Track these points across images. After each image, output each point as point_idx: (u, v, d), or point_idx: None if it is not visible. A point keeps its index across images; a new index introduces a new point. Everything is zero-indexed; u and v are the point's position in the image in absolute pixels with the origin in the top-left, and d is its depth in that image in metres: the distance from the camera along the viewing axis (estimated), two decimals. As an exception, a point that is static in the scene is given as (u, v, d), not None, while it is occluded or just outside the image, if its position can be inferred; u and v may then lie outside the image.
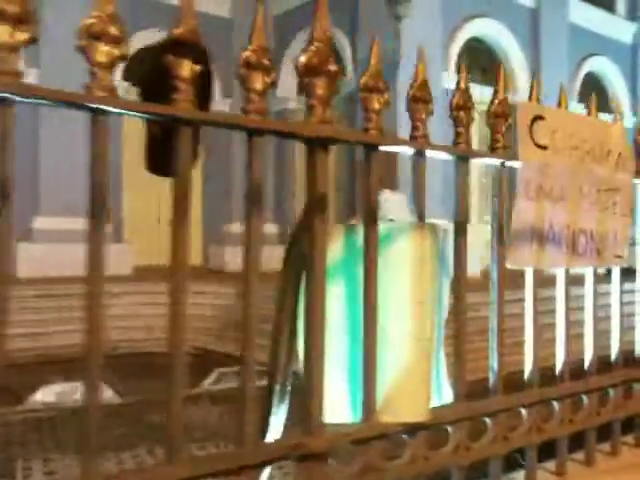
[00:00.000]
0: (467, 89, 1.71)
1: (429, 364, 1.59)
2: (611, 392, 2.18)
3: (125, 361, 7.95)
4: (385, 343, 1.56)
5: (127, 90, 3.92)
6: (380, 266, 1.55)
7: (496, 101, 1.79)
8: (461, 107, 1.69)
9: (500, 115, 1.79)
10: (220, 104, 12.44)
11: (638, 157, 2.28)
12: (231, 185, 13.80)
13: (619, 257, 2.17)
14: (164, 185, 1.37)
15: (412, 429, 1.57)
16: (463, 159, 1.70)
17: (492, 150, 1.80)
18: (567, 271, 2.06)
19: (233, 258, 12.09)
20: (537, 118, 1.87)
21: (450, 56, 12.01)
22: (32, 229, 11.32)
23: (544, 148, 1.88)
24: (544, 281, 2.02)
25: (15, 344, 7.60)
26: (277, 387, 1.52)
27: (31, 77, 10.47)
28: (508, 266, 1.82)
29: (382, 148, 1.53)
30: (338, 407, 1.54)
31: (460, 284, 1.71)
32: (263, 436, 1.52)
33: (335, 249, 1.54)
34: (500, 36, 12.97)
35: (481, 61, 12.60)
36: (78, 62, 1.18)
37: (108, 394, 6.32)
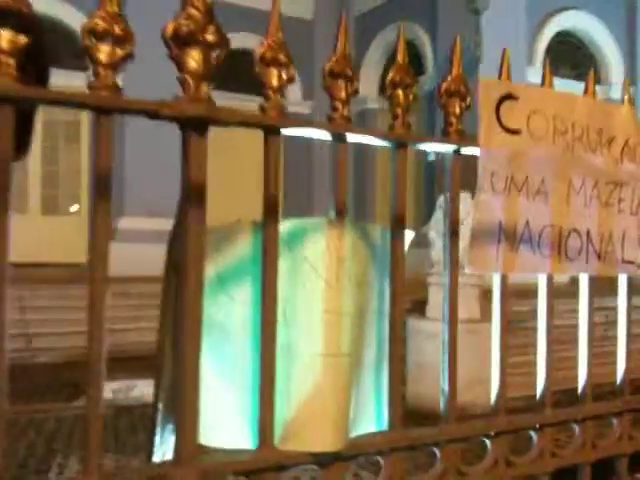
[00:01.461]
0: (406, 65, 1.46)
1: (345, 384, 1.35)
2: None
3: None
4: (292, 358, 1.34)
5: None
6: (286, 269, 1.33)
7: (449, 78, 1.53)
8: (397, 84, 1.44)
9: (454, 93, 1.52)
10: (301, 106, 12.39)
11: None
12: (312, 186, 13.70)
13: (629, 263, 1.84)
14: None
15: (325, 459, 1.34)
16: (400, 145, 1.45)
17: (444, 135, 1.54)
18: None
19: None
20: (507, 97, 1.58)
21: (536, 50, 11.40)
22: (117, 229, 11.66)
23: (516, 133, 1.60)
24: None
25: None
26: (161, 405, 1.32)
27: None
28: (467, 271, 1.55)
29: (285, 131, 1.31)
30: (234, 431, 1.33)
31: (397, 288, 1.46)
32: (149, 457, 1.33)
33: (241, 248, 1.33)
34: (592, 29, 12.21)
35: (571, 56, 11.91)
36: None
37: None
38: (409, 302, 7.34)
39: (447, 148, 1.54)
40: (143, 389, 6.43)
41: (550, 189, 1.66)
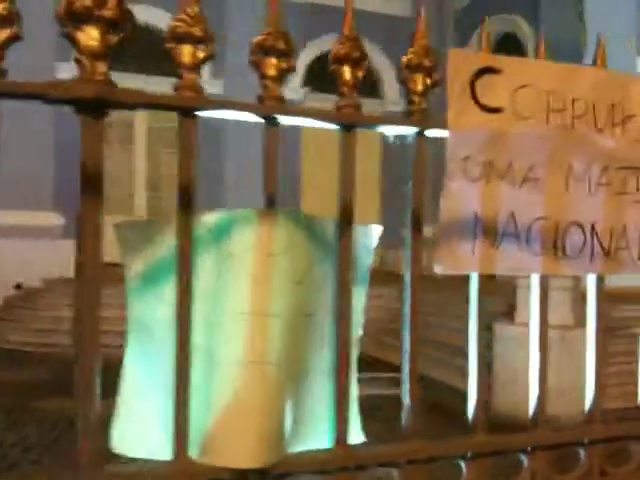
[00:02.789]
0: (356, 38, 1.30)
1: (273, 394, 1.22)
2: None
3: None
4: (213, 365, 1.22)
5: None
6: (211, 266, 1.22)
7: (411, 50, 1.35)
8: (342, 60, 1.29)
9: (416, 68, 1.35)
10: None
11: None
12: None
13: (650, 261, 1.58)
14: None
15: (243, 476, 1.21)
16: (347, 127, 1.29)
17: (406, 115, 1.36)
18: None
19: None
20: (485, 71, 1.39)
21: (648, 38, 10.59)
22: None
23: (496, 111, 1.40)
24: None
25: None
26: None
27: (216, 88, 10.93)
28: (437, 271, 1.37)
29: (201, 114, 1.19)
30: (155, 441, 1.23)
31: (343, 287, 1.30)
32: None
33: (167, 244, 1.23)
34: None
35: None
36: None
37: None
38: (503, 305, 7.01)
39: (409, 130, 1.36)
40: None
41: (543, 176, 1.44)
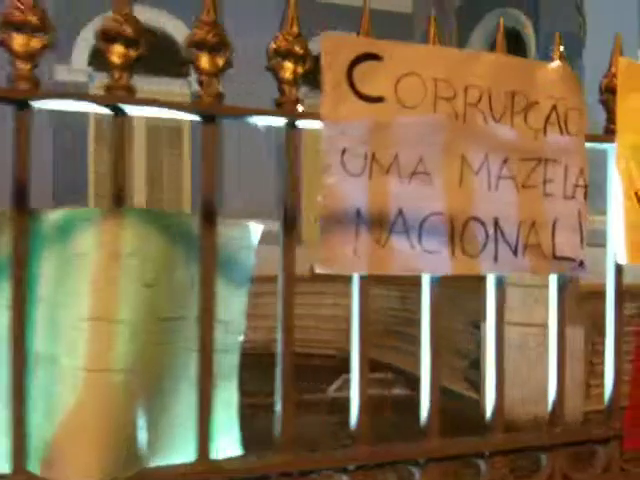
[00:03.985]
0: (214, 23, 1.21)
1: (118, 404, 1.14)
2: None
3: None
4: (55, 373, 1.14)
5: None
6: (53, 268, 1.14)
7: (280, 35, 1.26)
8: (200, 45, 1.20)
9: (286, 55, 1.26)
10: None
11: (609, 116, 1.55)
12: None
13: (564, 259, 1.47)
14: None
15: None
16: (207, 119, 1.21)
17: (276, 105, 1.27)
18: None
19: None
20: (364, 58, 1.30)
21: (650, 30, 10.39)
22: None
23: (377, 101, 1.31)
24: None
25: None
26: None
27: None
28: (318, 271, 1.28)
29: (36, 104, 1.12)
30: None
31: (205, 289, 1.22)
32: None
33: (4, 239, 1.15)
34: None
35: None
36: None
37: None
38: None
39: (278, 121, 1.27)
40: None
41: (433, 169, 1.35)
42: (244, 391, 1.31)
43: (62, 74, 10.39)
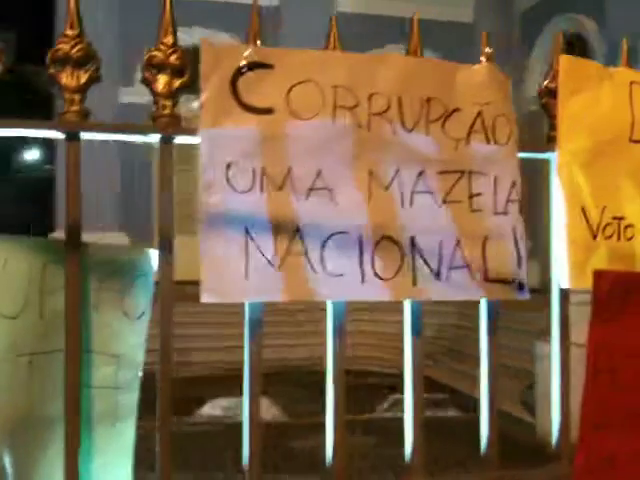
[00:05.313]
0: (74, 36, 1.14)
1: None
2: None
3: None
4: None
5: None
6: None
7: (156, 46, 1.18)
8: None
9: (161, 67, 1.17)
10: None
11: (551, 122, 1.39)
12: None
13: (497, 282, 1.32)
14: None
15: None
16: (72, 136, 1.14)
17: (153, 120, 1.19)
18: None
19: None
20: (251, 67, 1.20)
21: None
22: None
23: (265, 112, 1.20)
24: None
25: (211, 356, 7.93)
26: None
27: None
28: (205, 300, 1.17)
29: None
30: None
31: (69, 318, 1.14)
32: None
33: None
34: None
35: None
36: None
37: (272, 411, 6.22)
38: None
39: (152, 137, 1.19)
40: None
41: (335, 184, 1.23)
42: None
43: (126, 96, 10.72)
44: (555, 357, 1.39)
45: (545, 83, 1.38)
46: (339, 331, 1.27)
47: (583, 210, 1.34)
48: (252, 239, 1.19)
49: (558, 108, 1.35)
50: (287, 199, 1.21)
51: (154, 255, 1.21)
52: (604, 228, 1.36)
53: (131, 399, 1.21)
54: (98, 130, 1.18)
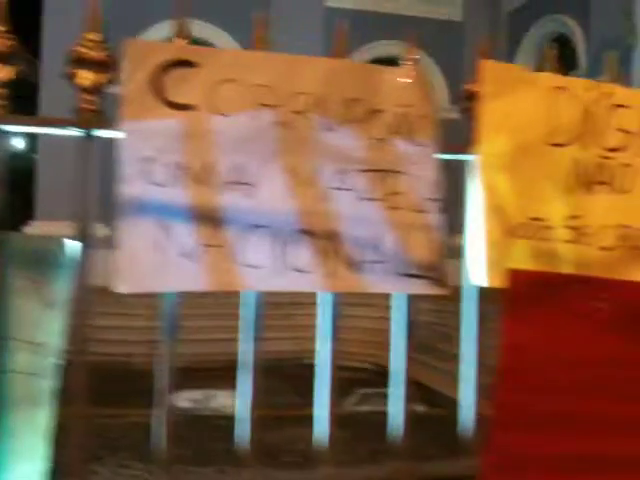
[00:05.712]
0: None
1: None
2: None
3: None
4: None
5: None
6: None
7: (78, 42, 1.21)
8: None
9: (83, 61, 1.20)
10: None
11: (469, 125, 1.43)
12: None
13: (414, 277, 1.36)
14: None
15: None
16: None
17: (75, 115, 1.22)
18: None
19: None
20: (178, 64, 1.24)
21: None
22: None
23: (188, 108, 1.24)
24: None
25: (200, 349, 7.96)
26: None
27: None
28: (121, 290, 1.21)
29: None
30: None
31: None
32: None
33: None
34: None
35: None
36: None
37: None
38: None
39: (75, 132, 1.22)
40: (223, 400, 6.43)
41: (257, 179, 1.27)
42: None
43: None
44: (469, 353, 1.44)
45: (467, 86, 1.42)
46: (257, 321, 1.31)
47: (500, 210, 1.39)
48: (171, 231, 1.22)
49: (479, 111, 1.39)
50: (208, 193, 1.24)
51: (76, 246, 1.24)
52: (521, 228, 1.40)
53: (48, 386, 1.24)
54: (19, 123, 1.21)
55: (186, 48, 1.25)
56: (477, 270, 1.40)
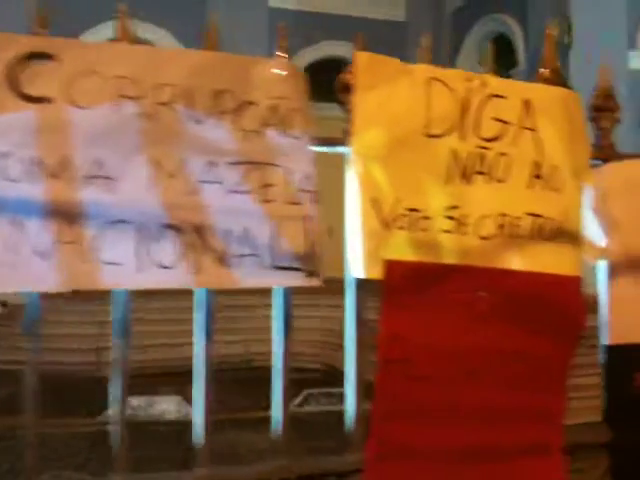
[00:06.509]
0: None
1: None
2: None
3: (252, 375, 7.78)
4: None
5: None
6: None
7: None
8: None
9: None
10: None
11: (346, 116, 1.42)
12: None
13: (288, 269, 1.35)
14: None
15: None
16: None
17: None
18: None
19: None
20: (35, 57, 1.20)
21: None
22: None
23: (44, 101, 1.21)
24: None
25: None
26: None
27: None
28: None
29: None
30: None
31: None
32: None
33: None
34: None
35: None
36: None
37: (185, 410, 6.19)
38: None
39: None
40: (164, 405, 6.34)
41: (118, 173, 1.24)
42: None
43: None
44: (350, 342, 1.43)
45: (341, 77, 1.41)
46: (123, 321, 1.29)
47: (375, 201, 1.38)
48: (26, 228, 1.18)
49: (354, 103, 1.39)
50: (65, 188, 1.21)
51: None
52: (399, 219, 1.40)
53: None
54: None
55: (44, 40, 1.21)
56: (356, 262, 1.39)
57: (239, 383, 7.01)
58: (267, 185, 1.33)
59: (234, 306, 8.31)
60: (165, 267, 1.26)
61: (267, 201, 1.33)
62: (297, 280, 1.35)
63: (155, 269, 1.25)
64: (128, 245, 1.24)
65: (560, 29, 9.43)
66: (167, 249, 1.26)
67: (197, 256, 1.28)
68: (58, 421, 5.45)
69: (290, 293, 1.40)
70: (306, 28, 11.86)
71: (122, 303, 1.30)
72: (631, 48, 9.80)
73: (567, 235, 1.51)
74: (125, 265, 1.24)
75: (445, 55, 11.92)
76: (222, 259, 1.29)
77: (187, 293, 1.38)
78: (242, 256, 1.31)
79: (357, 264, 1.39)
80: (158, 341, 7.53)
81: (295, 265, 1.34)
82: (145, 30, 10.40)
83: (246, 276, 1.32)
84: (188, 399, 6.43)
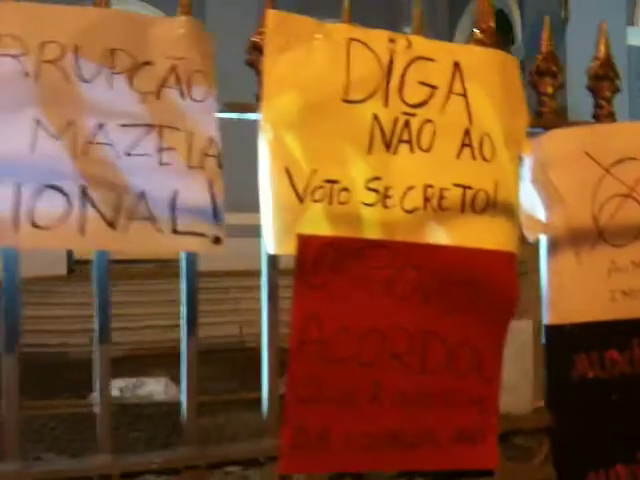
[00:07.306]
0: None
1: None
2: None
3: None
4: None
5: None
6: None
7: None
8: None
9: None
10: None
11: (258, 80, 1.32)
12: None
13: (191, 234, 1.26)
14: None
15: None
16: None
17: None
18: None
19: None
20: None
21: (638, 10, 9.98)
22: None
23: None
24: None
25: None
26: None
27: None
28: None
29: None
30: None
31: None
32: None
33: None
34: None
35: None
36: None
37: (173, 391, 6.14)
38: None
39: None
40: (152, 387, 6.30)
41: None
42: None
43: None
44: (265, 325, 1.35)
45: (252, 38, 1.31)
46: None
47: (288, 172, 1.29)
48: None
49: (264, 66, 1.29)
50: None
51: None
52: (315, 192, 1.31)
53: None
54: None
55: None
56: (269, 237, 1.30)
57: (233, 363, 6.97)
58: (166, 148, 1.24)
59: (238, 287, 8.27)
60: (40, 227, 1.18)
61: (165, 164, 1.24)
62: (199, 246, 1.27)
63: (30, 229, 1.17)
64: (5, 203, 1.16)
65: (557, 3, 9.27)
66: (47, 210, 1.18)
67: (81, 217, 1.19)
68: (45, 402, 5.44)
69: (193, 261, 1.33)
70: (302, 4, 11.67)
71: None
72: (629, 24, 9.63)
73: (500, 208, 1.41)
74: (2, 223, 1.16)
75: (443, 32, 11.74)
76: (110, 222, 1.21)
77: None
78: (135, 219, 1.22)
79: (270, 239, 1.30)
80: (155, 322, 7.49)
81: (196, 230, 1.26)
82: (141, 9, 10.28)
83: (139, 241, 1.24)
84: (177, 380, 6.38)
